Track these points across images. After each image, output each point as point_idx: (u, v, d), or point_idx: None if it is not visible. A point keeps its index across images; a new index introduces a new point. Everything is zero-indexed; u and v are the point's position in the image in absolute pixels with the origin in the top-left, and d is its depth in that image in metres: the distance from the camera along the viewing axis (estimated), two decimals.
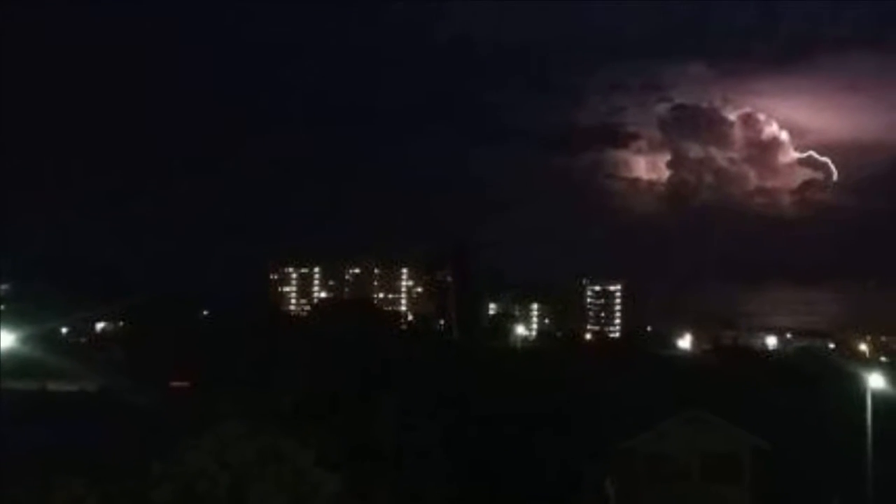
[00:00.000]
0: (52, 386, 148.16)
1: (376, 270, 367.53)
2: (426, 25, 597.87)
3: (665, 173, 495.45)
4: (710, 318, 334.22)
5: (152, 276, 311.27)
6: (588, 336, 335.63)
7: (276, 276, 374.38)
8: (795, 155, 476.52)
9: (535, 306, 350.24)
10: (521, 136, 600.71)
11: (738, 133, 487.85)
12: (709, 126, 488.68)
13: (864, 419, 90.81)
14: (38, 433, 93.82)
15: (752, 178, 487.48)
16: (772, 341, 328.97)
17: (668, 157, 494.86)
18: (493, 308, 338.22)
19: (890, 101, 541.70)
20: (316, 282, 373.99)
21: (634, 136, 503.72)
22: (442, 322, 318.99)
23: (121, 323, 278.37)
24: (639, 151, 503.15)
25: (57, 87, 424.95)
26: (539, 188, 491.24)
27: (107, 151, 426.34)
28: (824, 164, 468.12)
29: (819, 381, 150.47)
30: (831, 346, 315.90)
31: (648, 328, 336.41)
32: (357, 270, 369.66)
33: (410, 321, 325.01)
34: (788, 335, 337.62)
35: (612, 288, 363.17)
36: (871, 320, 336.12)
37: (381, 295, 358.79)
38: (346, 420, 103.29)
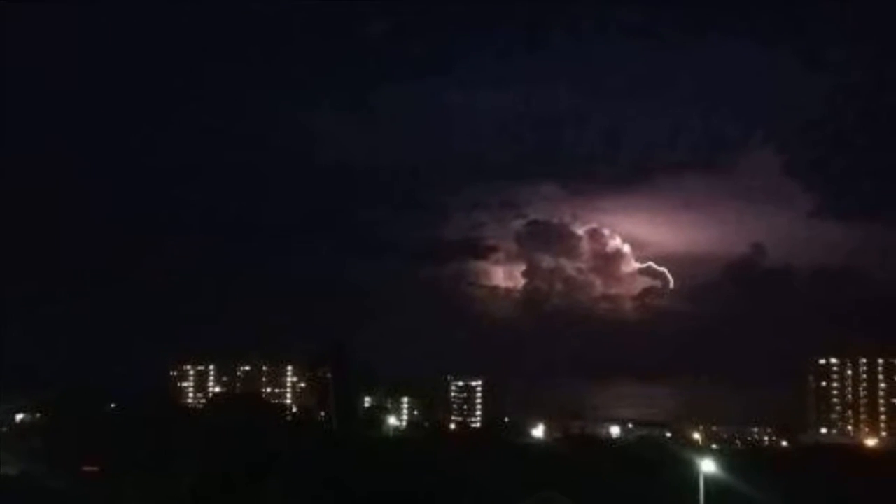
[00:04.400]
0: None
1: (264, 368, 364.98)
2: (307, 150, 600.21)
3: (521, 281, 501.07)
4: (561, 409, 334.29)
5: (65, 373, 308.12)
6: (452, 426, 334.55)
7: (175, 373, 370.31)
8: (636, 265, 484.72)
9: (405, 399, 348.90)
10: (393, 248, 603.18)
11: (585, 246, 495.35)
12: (559, 239, 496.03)
13: (698, 500, 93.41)
14: None
15: (598, 285, 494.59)
16: (615, 430, 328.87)
17: (523, 267, 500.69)
18: (368, 401, 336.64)
19: (719, 217, 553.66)
20: (211, 378, 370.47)
21: (494, 249, 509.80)
22: (323, 413, 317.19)
23: (38, 414, 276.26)
24: (497, 262, 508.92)
25: None
26: (409, 295, 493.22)
27: (22, 262, 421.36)
28: (662, 274, 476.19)
29: (657, 466, 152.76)
30: (668, 434, 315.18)
31: (506, 419, 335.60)
32: (247, 367, 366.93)
33: (295, 413, 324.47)
34: (630, 425, 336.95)
35: (473, 383, 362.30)
36: (703, 411, 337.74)
37: (268, 389, 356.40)
38: (238, 501, 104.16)
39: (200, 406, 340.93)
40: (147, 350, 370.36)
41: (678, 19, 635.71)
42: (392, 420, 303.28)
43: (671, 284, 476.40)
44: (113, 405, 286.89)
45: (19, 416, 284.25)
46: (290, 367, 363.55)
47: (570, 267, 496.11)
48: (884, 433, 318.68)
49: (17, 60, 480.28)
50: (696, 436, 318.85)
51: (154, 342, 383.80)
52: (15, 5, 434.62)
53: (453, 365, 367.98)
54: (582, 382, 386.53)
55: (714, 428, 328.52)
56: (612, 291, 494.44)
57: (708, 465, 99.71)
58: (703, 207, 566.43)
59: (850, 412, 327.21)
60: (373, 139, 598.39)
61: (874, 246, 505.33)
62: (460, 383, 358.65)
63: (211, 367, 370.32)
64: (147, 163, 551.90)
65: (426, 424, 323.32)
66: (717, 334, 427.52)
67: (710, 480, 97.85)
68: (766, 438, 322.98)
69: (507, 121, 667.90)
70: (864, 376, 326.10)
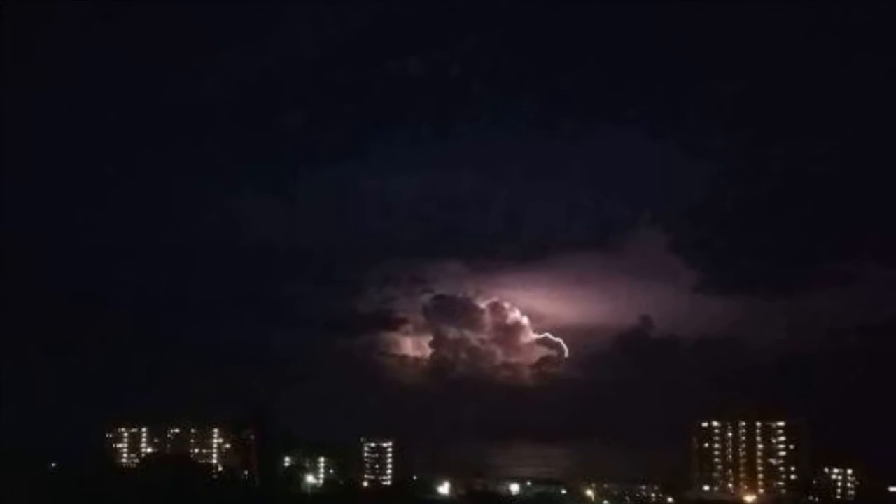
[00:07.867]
0: None
1: (192, 430, 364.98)
2: (232, 232, 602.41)
3: (428, 351, 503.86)
4: (465, 468, 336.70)
5: (7, 436, 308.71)
6: (365, 484, 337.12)
7: (110, 435, 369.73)
8: (534, 336, 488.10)
9: (322, 459, 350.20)
10: (312, 321, 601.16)
11: (487, 318, 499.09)
12: (464, 312, 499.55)
13: None
14: None
15: (499, 354, 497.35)
16: (515, 488, 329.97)
17: (430, 337, 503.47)
18: (288, 461, 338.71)
19: (611, 292, 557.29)
20: (143, 439, 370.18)
21: (403, 321, 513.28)
22: (246, 472, 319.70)
23: None
24: (407, 333, 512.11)
25: None
26: (325, 363, 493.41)
27: None
28: (558, 344, 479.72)
29: None
30: (564, 491, 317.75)
31: (414, 477, 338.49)
32: (177, 430, 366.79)
33: (221, 472, 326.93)
34: (528, 483, 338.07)
35: (384, 444, 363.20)
36: (595, 470, 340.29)
37: (196, 450, 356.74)
38: None
39: (134, 465, 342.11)
40: (85, 414, 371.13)
41: (571, 111, 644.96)
42: (310, 478, 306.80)
43: (566, 354, 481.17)
44: (53, 464, 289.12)
45: None
46: (216, 430, 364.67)
47: (473, 338, 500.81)
48: (761, 490, 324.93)
49: None
50: (590, 492, 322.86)
51: (92, 406, 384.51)
52: None
53: (366, 428, 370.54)
54: (484, 444, 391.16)
55: (605, 485, 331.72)
56: (512, 360, 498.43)
57: None
58: (596, 283, 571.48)
59: (730, 471, 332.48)
60: (292, 221, 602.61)
61: (753, 318, 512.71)
62: (372, 444, 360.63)
63: (143, 429, 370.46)
64: (85, 241, 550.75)
65: (341, 482, 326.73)
66: (608, 399, 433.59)
67: None
68: (653, 495, 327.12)
69: (415, 203, 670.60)
70: (744, 438, 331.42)
